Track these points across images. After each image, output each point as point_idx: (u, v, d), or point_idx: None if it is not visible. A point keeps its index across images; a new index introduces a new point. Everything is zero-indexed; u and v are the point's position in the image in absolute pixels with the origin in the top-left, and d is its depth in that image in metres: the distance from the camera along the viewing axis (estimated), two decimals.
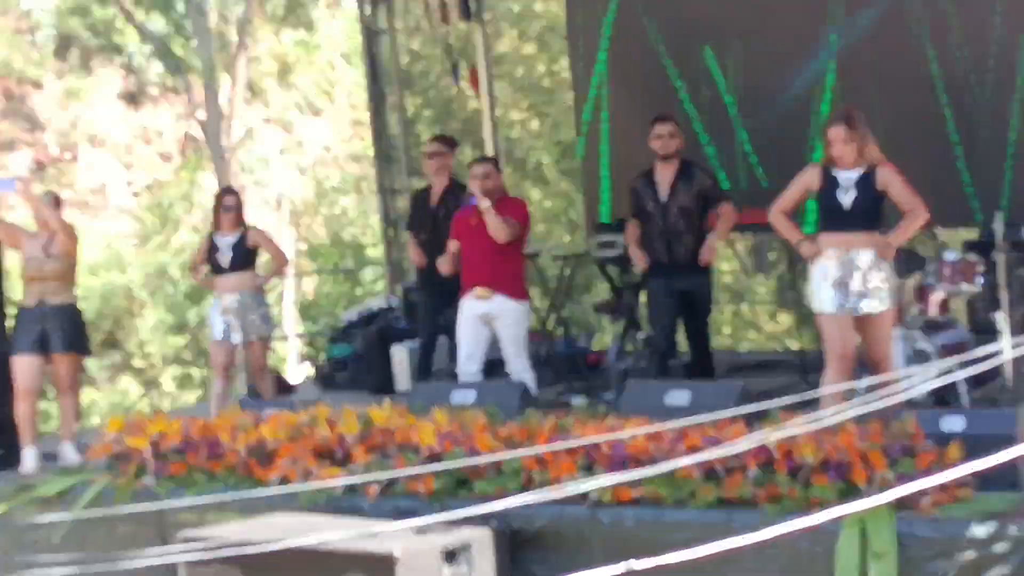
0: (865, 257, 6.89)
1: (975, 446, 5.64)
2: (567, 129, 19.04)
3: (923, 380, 6.98)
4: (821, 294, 7.03)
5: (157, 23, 23.04)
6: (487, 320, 8.31)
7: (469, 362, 8.36)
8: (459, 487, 6.58)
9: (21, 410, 8.34)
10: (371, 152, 13.63)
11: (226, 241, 9.02)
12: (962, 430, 5.88)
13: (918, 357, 7.64)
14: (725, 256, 20.05)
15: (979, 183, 9.46)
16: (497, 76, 18.77)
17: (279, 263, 9.22)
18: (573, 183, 19.19)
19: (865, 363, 7.10)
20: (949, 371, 7.24)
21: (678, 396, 6.92)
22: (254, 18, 23.41)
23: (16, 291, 8.92)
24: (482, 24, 11.80)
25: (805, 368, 9.11)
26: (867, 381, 7.04)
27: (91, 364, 21.69)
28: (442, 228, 9.00)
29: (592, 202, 11.36)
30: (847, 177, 6.95)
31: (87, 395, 19.80)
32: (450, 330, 9.47)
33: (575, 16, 11.54)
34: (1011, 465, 5.59)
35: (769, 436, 5.69)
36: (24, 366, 8.31)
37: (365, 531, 6.01)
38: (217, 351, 9.13)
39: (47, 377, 8.78)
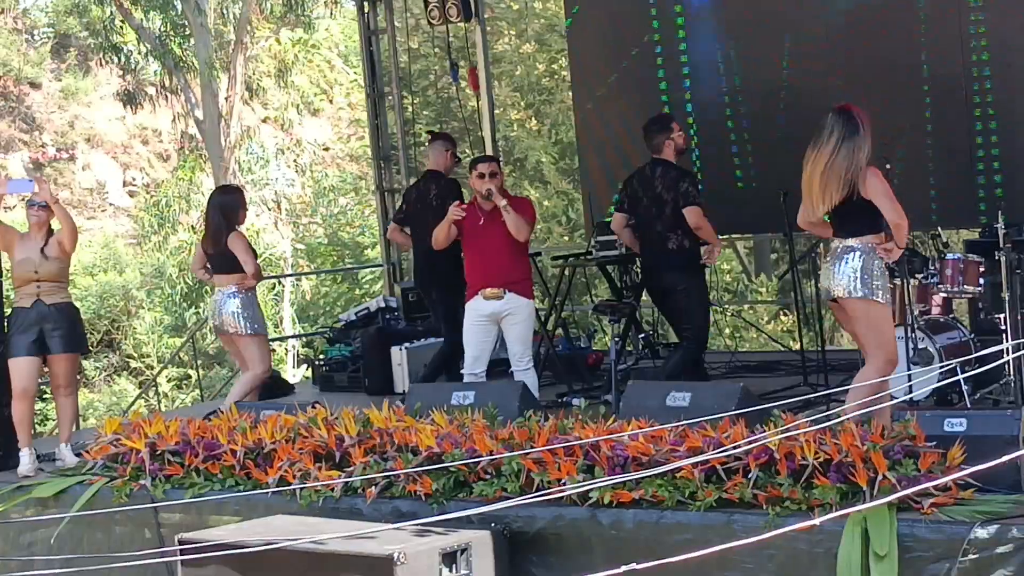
0: (846, 257, 6.74)
1: (977, 447, 5.63)
2: (566, 129, 19.07)
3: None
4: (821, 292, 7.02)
5: (155, 23, 23.02)
6: (496, 319, 8.29)
7: (477, 363, 8.33)
8: (458, 489, 6.55)
9: (19, 411, 8.31)
10: (369, 152, 13.60)
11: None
12: (964, 431, 5.84)
13: (920, 357, 7.61)
14: (726, 256, 20.08)
15: (985, 184, 9.44)
16: (496, 75, 18.81)
17: (246, 274, 8.98)
18: (572, 183, 19.20)
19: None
20: (951, 372, 7.25)
21: (678, 397, 6.88)
22: (252, 17, 23.39)
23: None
24: (481, 23, 11.78)
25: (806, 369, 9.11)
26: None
27: (88, 365, 21.68)
28: (432, 208, 9.16)
29: (592, 202, 11.34)
30: None
31: (83, 396, 19.78)
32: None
33: (574, 15, 11.51)
34: (1013, 466, 5.58)
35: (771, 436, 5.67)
36: (22, 367, 8.28)
37: (363, 533, 5.99)
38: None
39: (43, 378, 8.74)
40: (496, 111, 13.03)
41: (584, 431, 6.42)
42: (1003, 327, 7.56)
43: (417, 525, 6.18)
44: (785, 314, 18.39)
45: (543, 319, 10.25)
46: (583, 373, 10.02)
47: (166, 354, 21.18)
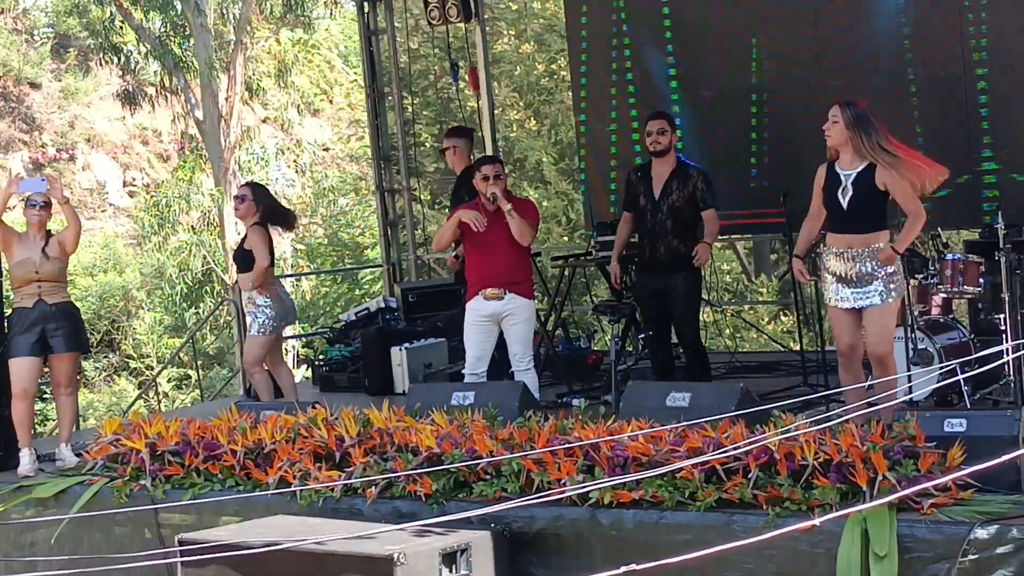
0: (865, 254, 6.85)
1: (977, 447, 5.63)
2: (566, 129, 19.07)
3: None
4: (826, 289, 7.03)
5: (155, 23, 23.00)
6: (497, 319, 8.28)
7: (478, 364, 8.32)
8: (458, 489, 6.55)
9: (19, 411, 8.31)
10: (369, 152, 13.60)
11: (239, 241, 9.10)
12: (964, 431, 5.84)
13: (920, 358, 7.61)
14: (726, 257, 20.07)
15: (985, 184, 9.44)
16: (496, 76, 18.81)
17: (254, 274, 9.03)
18: (572, 183, 19.19)
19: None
20: (951, 372, 7.26)
21: (678, 397, 6.88)
22: (252, 18, 23.38)
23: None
24: (481, 24, 11.79)
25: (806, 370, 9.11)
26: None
27: (88, 365, 21.68)
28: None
29: (593, 202, 11.35)
30: (847, 175, 6.91)
31: (83, 396, 19.78)
32: (447, 332, 9.47)
33: (574, 16, 11.52)
34: (1013, 466, 5.58)
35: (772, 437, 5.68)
36: (24, 367, 8.27)
37: (363, 533, 5.99)
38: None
39: (43, 378, 8.72)
40: (496, 111, 13.03)
41: (584, 431, 6.43)
42: (1003, 327, 7.56)
43: (417, 525, 6.18)
44: (785, 314, 18.39)
45: (543, 319, 10.25)
46: (583, 373, 10.02)
47: (166, 354, 21.17)
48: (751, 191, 10.30)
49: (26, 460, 8.21)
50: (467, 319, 8.36)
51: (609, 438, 6.20)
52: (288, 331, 20.54)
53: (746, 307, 18.80)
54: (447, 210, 9.84)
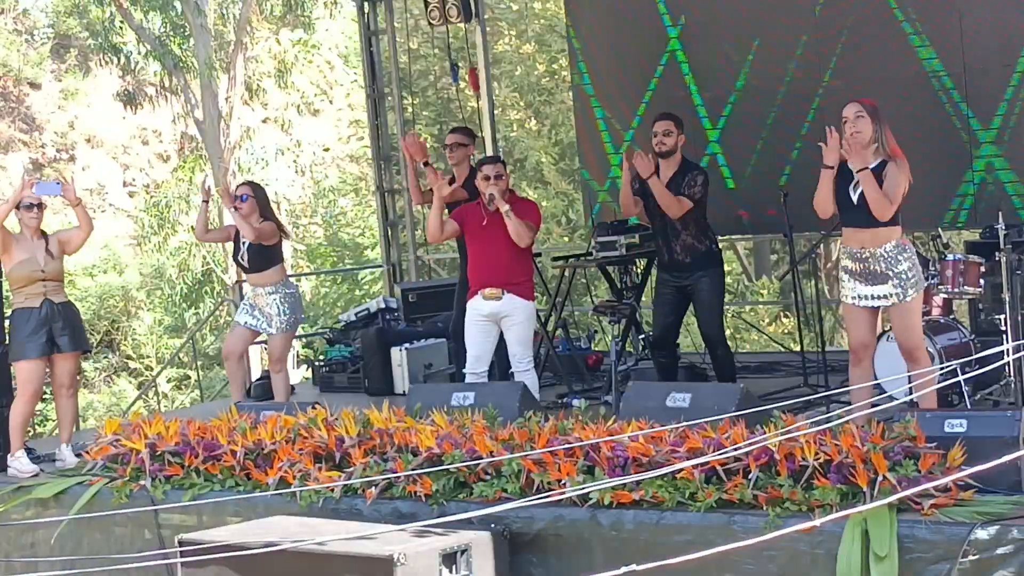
0: (878, 254, 6.84)
1: (977, 448, 5.63)
2: (567, 129, 19.07)
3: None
4: (842, 287, 7.03)
5: (155, 23, 23.01)
6: (495, 319, 8.27)
7: (478, 363, 8.32)
8: (458, 489, 6.55)
9: (25, 414, 8.30)
10: (369, 152, 13.60)
11: (245, 241, 8.99)
12: (964, 432, 5.84)
13: None
14: (727, 258, 20.08)
15: (985, 185, 9.44)
16: (496, 76, 18.81)
17: (262, 231, 9.02)
18: (572, 183, 19.20)
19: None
20: (952, 373, 7.25)
21: (679, 398, 6.88)
22: (252, 18, 23.38)
23: None
24: (481, 24, 11.78)
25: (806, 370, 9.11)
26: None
27: (87, 365, 21.68)
28: None
29: (593, 202, 11.35)
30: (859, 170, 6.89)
31: (83, 397, 19.78)
32: (447, 332, 9.46)
33: (574, 16, 11.52)
34: (1013, 467, 5.58)
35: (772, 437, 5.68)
36: (36, 369, 8.25)
37: (363, 534, 5.99)
38: (232, 329, 9.25)
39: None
40: (496, 111, 13.02)
41: (584, 432, 6.42)
42: (1003, 328, 7.55)
43: (417, 526, 6.18)
44: (786, 315, 18.39)
45: (543, 319, 10.25)
46: (583, 374, 10.02)
47: (166, 355, 21.17)
48: (751, 191, 10.29)
49: (26, 460, 8.20)
50: (467, 318, 8.37)
51: (609, 438, 6.20)
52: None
53: (746, 308, 18.80)
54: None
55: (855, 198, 6.87)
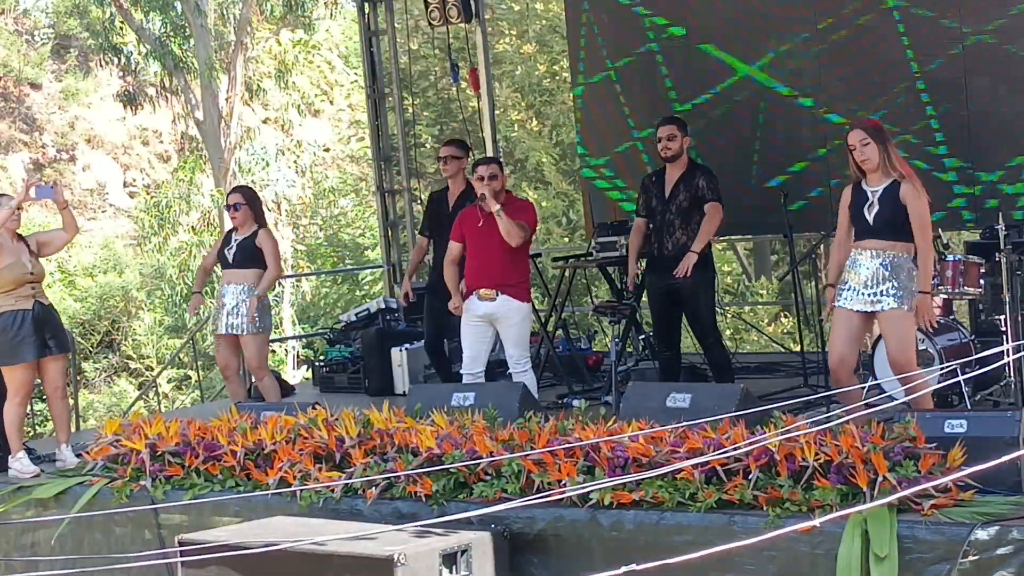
0: (886, 257, 6.82)
1: (977, 448, 5.63)
2: (567, 130, 19.07)
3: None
4: (839, 291, 7.01)
5: (155, 24, 23.01)
6: (490, 321, 8.28)
7: (473, 364, 8.33)
8: (458, 490, 6.55)
9: (20, 415, 8.28)
10: (370, 153, 13.60)
11: (237, 238, 9.06)
12: (964, 432, 5.84)
13: (921, 359, 7.60)
14: (727, 258, 20.08)
15: (985, 185, 9.45)
16: (497, 76, 18.81)
17: (269, 274, 9.10)
18: (573, 184, 19.20)
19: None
20: (952, 373, 7.25)
21: (679, 398, 6.88)
22: (252, 18, 23.39)
23: None
24: (482, 24, 11.79)
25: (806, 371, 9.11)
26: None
27: (87, 366, 21.68)
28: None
29: (593, 203, 11.35)
30: (873, 191, 6.88)
31: (83, 397, 19.79)
32: (450, 332, 9.46)
33: (575, 16, 11.52)
34: (1013, 467, 5.58)
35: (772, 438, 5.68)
36: (28, 372, 8.23)
37: (364, 534, 5.99)
38: (217, 347, 9.25)
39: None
40: (497, 112, 13.03)
41: (584, 432, 6.43)
42: (1003, 328, 7.56)
43: (417, 526, 6.18)
44: (785, 315, 18.39)
45: (543, 320, 10.26)
46: (583, 374, 10.02)
47: (166, 355, 21.17)
48: (751, 192, 10.30)
49: (26, 460, 8.20)
50: (463, 319, 8.37)
51: (609, 439, 6.20)
52: (289, 331, 20.69)
53: (746, 308, 18.80)
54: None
55: (871, 218, 6.86)
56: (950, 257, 7.91)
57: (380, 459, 6.83)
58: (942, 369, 7.55)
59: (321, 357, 11.46)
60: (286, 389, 10.57)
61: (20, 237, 8.32)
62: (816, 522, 5.28)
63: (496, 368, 9.11)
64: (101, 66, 26.21)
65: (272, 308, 9.21)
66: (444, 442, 6.65)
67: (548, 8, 20.46)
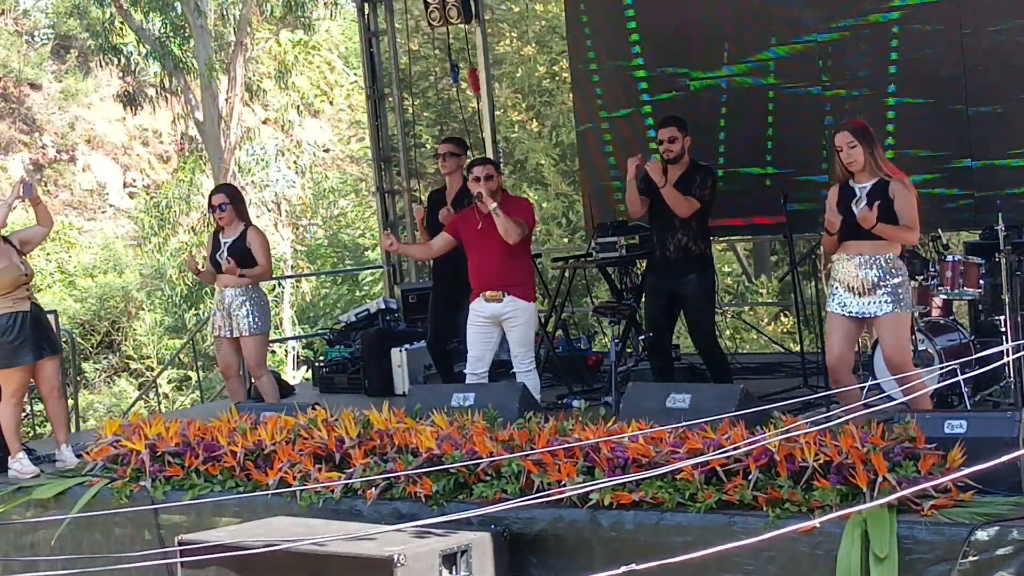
0: (873, 261, 6.85)
1: (977, 449, 5.63)
2: (567, 131, 19.06)
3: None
4: (830, 296, 7.03)
5: (155, 24, 23.01)
6: (497, 321, 8.29)
7: (478, 364, 8.34)
8: (458, 490, 6.55)
9: (17, 416, 8.28)
10: (370, 153, 13.61)
11: (226, 241, 9.04)
12: (964, 433, 5.84)
13: (921, 359, 7.61)
14: (727, 259, 20.08)
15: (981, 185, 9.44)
16: (497, 77, 18.81)
17: (259, 272, 9.09)
18: (573, 185, 19.19)
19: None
20: (951, 373, 7.25)
21: (679, 399, 6.88)
22: (252, 19, 23.39)
23: None
24: (482, 25, 11.79)
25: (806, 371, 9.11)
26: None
27: (87, 366, 21.68)
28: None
29: (593, 204, 11.34)
30: (861, 187, 6.91)
31: (84, 397, 19.78)
32: (453, 332, 9.46)
33: (575, 17, 11.52)
34: (1013, 468, 5.58)
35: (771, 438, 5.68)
36: (26, 374, 8.23)
37: (363, 534, 5.99)
38: (217, 348, 9.25)
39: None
40: (496, 113, 13.02)
41: (584, 433, 6.43)
42: (1003, 329, 7.56)
43: (417, 527, 6.18)
44: (785, 315, 18.39)
45: (543, 320, 10.26)
46: (583, 375, 10.02)
47: (166, 355, 21.17)
48: (751, 192, 10.29)
49: (27, 461, 8.20)
50: (469, 320, 8.39)
51: (609, 439, 6.20)
52: (289, 332, 20.69)
53: (746, 308, 18.80)
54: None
55: (860, 216, 6.87)
56: (950, 258, 7.91)
57: (380, 459, 6.83)
58: (942, 369, 7.55)
59: (321, 357, 11.46)
60: (286, 389, 10.58)
61: (4, 239, 8.29)
62: (816, 522, 5.28)
63: (499, 368, 9.11)
64: (101, 66, 26.20)
65: (271, 309, 9.19)
66: (444, 442, 6.65)
67: (548, 9, 20.46)
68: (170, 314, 22.15)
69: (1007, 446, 5.54)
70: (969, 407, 7.32)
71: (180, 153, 26.69)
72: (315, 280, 23.03)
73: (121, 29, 23.70)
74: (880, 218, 6.80)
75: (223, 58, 23.10)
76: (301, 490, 6.80)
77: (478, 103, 12.26)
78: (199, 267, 9.19)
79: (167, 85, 23.94)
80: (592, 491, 6.05)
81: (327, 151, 27.15)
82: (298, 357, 20.53)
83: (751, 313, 18.87)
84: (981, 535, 5.31)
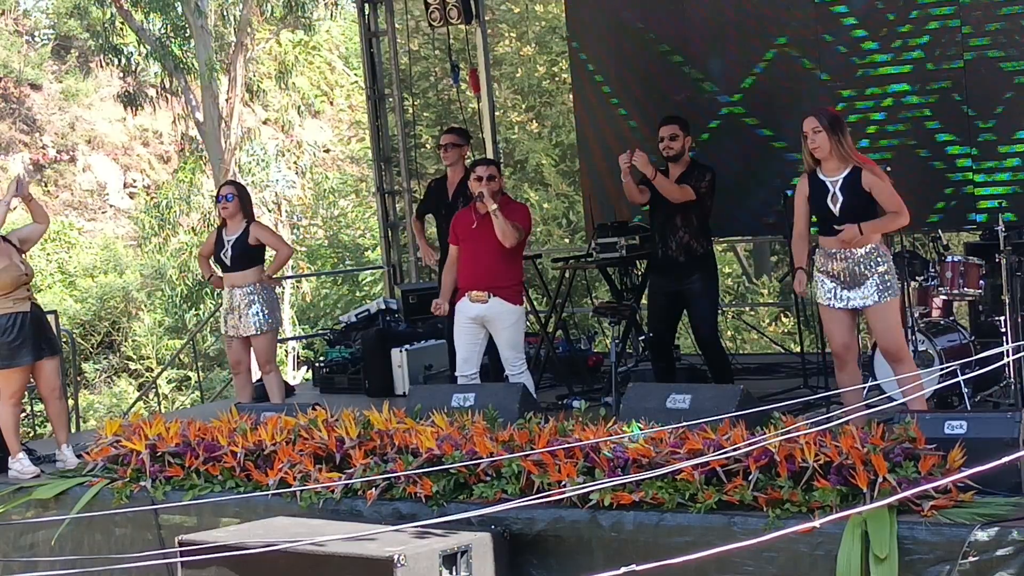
0: (859, 252, 6.85)
1: (977, 450, 5.63)
2: (567, 131, 19.06)
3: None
4: (818, 289, 7.02)
5: (155, 24, 23.02)
6: (482, 323, 8.28)
7: (466, 365, 8.34)
8: (458, 490, 6.55)
9: (16, 416, 8.28)
10: (370, 153, 13.61)
11: (229, 238, 9.03)
12: (964, 433, 5.84)
13: (921, 360, 7.61)
14: (727, 259, 20.08)
15: (986, 186, 9.44)
16: (497, 78, 18.81)
17: (281, 255, 9.15)
18: (573, 185, 19.19)
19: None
20: (952, 374, 7.26)
21: (679, 399, 6.88)
22: (253, 19, 23.39)
23: None
24: (482, 25, 11.78)
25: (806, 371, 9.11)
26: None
27: (87, 367, 21.68)
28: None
29: (593, 204, 11.33)
30: (832, 181, 6.90)
31: (84, 398, 19.78)
32: (448, 334, 9.47)
33: (575, 17, 11.52)
34: (1013, 468, 5.58)
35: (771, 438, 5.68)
36: (25, 374, 8.23)
37: (363, 534, 5.99)
38: (227, 346, 9.28)
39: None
40: (497, 113, 13.02)
41: (584, 433, 6.43)
42: (1003, 329, 7.56)
43: (417, 527, 6.18)
44: (785, 316, 18.39)
45: (543, 321, 10.26)
46: (583, 375, 10.02)
47: (166, 356, 21.18)
48: (752, 193, 10.29)
49: (27, 461, 8.20)
50: (455, 320, 8.38)
51: (609, 439, 6.20)
52: (289, 332, 20.69)
53: (746, 309, 18.80)
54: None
55: (837, 210, 6.88)
56: (950, 258, 7.92)
57: (380, 460, 6.83)
58: (942, 370, 7.55)
59: (321, 358, 11.45)
60: (286, 390, 10.59)
61: (3, 238, 8.29)
62: (816, 523, 5.28)
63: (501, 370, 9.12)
64: (101, 67, 26.21)
65: (275, 300, 9.23)
66: (444, 443, 6.65)
67: (548, 10, 20.46)
68: (170, 314, 22.16)
69: (1007, 447, 5.55)
70: (969, 408, 7.32)
71: (180, 153, 26.69)
72: (315, 280, 23.03)
73: (121, 29, 23.70)
74: (853, 211, 6.80)
75: (223, 58, 23.10)
76: (301, 490, 6.80)
77: (478, 103, 12.26)
78: (216, 276, 9.24)
79: (167, 85, 23.94)
80: (592, 491, 6.05)
81: (327, 151, 27.17)
82: (298, 357, 20.53)
83: (752, 314, 18.87)
84: (981, 535, 5.31)
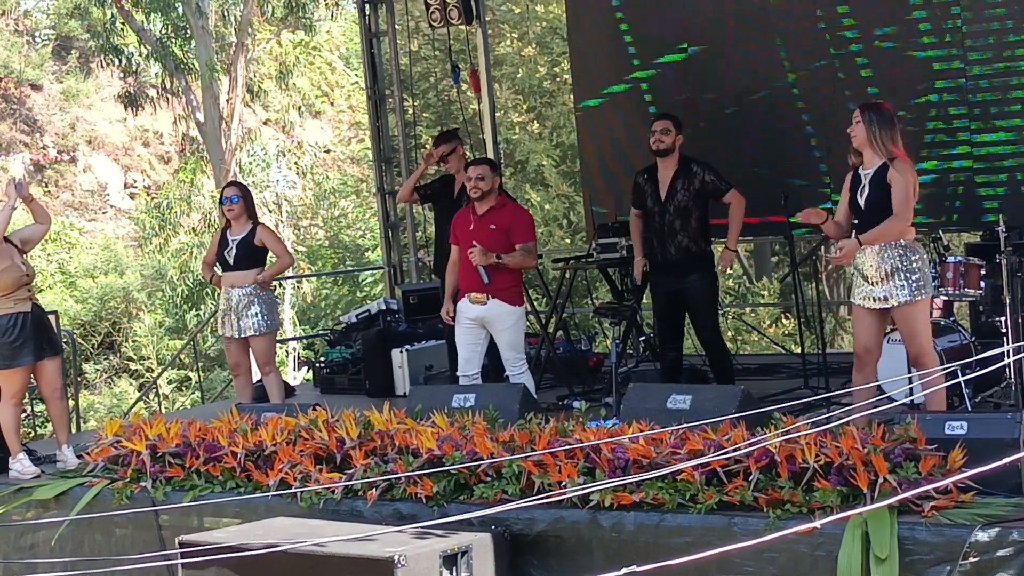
0: (885, 249, 6.83)
1: (977, 450, 5.63)
2: (568, 131, 19.06)
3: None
4: (854, 287, 7.04)
5: (156, 25, 23.02)
6: (482, 324, 8.29)
7: (468, 365, 8.35)
8: (459, 491, 6.55)
9: (16, 416, 8.28)
10: (370, 154, 13.61)
11: (234, 238, 9.05)
12: (964, 434, 5.84)
13: None
14: None
15: (984, 186, 9.44)
16: (497, 78, 18.81)
17: (281, 263, 9.19)
18: (574, 186, 19.19)
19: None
20: (952, 375, 7.25)
21: (679, 400, 6.88)
22: (253, 20, 23.40)
23: None
24: (482, 26, 11.78)
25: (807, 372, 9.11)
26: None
27: (88, 367, 21.68)
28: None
29: (593, 205, 11.34)
30: (866, 174, 6.93)
31: (84, 398, 19.78)
32: (448, 334, 9.47)
33: (576, 18, 11.52)
34: (1013, 469, 5.58)
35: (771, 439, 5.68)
36: (26, 375, 8.23)
37: (364, 535, 5.99)
38: (226, 347, 9.29)
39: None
40: (497, 113, 13.02)
41: (585, 434, 6.43)
42: (1004, 330, 7.56)
43: (418, 527, 6.18)
44: (786, 317, 18.39)
45: (543, 321, 10.26)
46: (584, 375, 10.02)
47: (166, 356, 21.18)
48: (752, 193, 10.28)
49: (27, 461, 8.20)
50: (456, 320, 8.39)
51: (610, 440, 6.20)
52: (290, 332, 20.69)
53: (747, 309, 18.79)
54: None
55: (863, 202, 6.89)
56: (951, 259, 7.91)
57: (381, 460, 6.83)
58: (943, 371, 7.54)
59: (322, 358, 11.45)
60: (287, 390, 10.58)
61: (5, 239, 8.27)
62: (816, 524, 5.29)
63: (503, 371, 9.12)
64: (102, 67, 26.22)
65: (273, 301, 9.24)
66: (445, 443, 6.65)
67: (548, 10, 20.46)
68: (171, 315, 22.16)
69: (1008, 447, 5.55)
70: (970, 408, 7.32)
71: (181, 154, 26.70)
72: (316, 281, 23.02)
73: (122, 30, 23.70)
74: (876, 204, 6.79)
75: (224, 59, 23.11)
76: (302, 491, 6.80)
77: (479, 104, 12.26)
78: (217, 276, 9.25)
79: (168, 86, 23.95)
80: (593, 492, 6.05)
81: (328, 152, 27.17)
82: (299, 358, 20.52)
83: (752, 314, 18.87)
84: (982, 536, 5.31)
